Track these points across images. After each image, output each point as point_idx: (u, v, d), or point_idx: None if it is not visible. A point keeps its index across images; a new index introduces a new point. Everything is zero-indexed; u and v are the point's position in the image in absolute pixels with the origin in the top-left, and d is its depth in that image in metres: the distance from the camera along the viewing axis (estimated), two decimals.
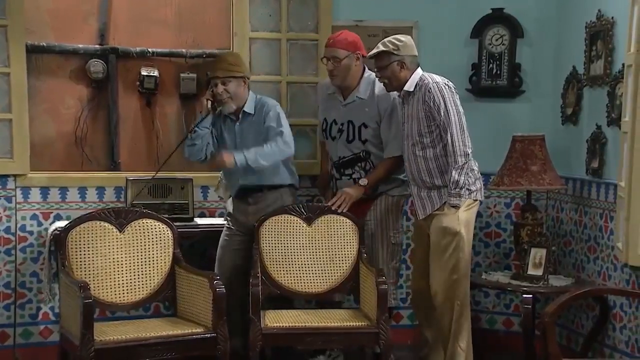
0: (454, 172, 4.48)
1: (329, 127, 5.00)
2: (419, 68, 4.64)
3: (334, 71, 4.85)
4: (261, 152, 4.66)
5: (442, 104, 4.49)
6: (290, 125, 5.16)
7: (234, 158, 4.63)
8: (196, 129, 4.84)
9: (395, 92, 4.72)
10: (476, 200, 4.63)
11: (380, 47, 4.58)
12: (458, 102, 4.56)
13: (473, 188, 4.60)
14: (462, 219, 4.55)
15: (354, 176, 4.96)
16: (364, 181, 4.84)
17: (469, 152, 4.52)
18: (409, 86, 4.58)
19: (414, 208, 4.77)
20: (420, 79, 4.58)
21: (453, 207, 4.52)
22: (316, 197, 5.47)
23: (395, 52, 4.55)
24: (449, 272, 4.57)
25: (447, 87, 4.53)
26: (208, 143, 4.90)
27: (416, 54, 4.64)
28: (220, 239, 5.01)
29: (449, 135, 4.48)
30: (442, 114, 4.49)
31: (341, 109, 4.95)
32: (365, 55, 4.87)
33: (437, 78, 4.57)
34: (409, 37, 4.68)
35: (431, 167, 4.60)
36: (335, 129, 4.97)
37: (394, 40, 4.58)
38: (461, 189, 4.50)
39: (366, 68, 4.93)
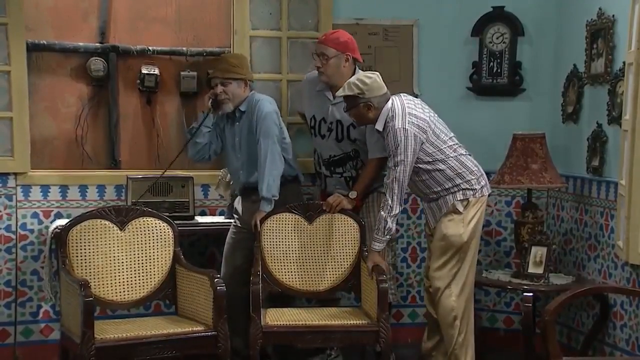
0: (389, 219, 4.49)
1: (318, 125, 4.99)
2: (389, 101, 4.56)
3: (321, 68, 4.85)
4: (268, 184, 4.70)
5: (395, 152, 4.48)
6: (290, 124, 5.18)
7: (265, 209, 4.74)
8: (199, 127, 4.84)
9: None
10: (482, 196, 4.65)
11: (346, 91, 4.56)
12: (410, 150, 4.47)
13: (477, 186, 4.62)
14: (470, 227, 4.60)
15: (345, 174, 4.97)
16: (353, 194, 4.84)
17: (402, 203, 4.54)
18: (379, 126, 4.58)
19: (426, 218, 4.80)
20: (387, 118, 4.53)
21: (375, 250, 4.55)
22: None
23: (360, 96, 4.53)
24: (449, 270, 4.61)
25: (405, 133, 4.46)
26: (210, 142, 4.92)
27: (383, 92, 4.56)
28: (227, 236, 5.01)
29: (391, 182, 4.48)
30: (391, 161, 4.50)
31: (330, 108, 4.94)
32: (357, 58, 4.88)
33: (399, 121, 4.48)
34: (376, 75, 4.58)
35: (429, 184, 4.64)
36: (324, 128, 4.97)
37: (359, 84, 4.52)
38: (391, 236, 4.58)
39: (357, 69, 4.92)
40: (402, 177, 4.48)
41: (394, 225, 4.55)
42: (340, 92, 4.62)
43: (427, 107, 4.67)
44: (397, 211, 4.52)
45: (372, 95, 4.54)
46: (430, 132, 4.56)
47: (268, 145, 4.74)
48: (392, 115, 4.53)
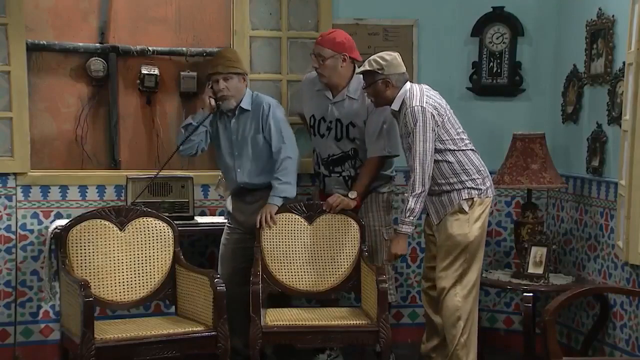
0: (411, 199, 4.46)
1: (317, 125, 5.00)
2: (407, 83, 4.60)
3: (319, 69, 4.87)
4: (287, 183, 4.77)
5: (414, 130, 4.48)
6: (289, 124, 5.17)
7: (277, 204, 4.77)
8: (197, 126, 4.84)
9: None
10: (487, 197, 4.64)
11: (366, 66, 4.58)
12: (429, 128, 4.47)
13: (483, 187, 4.61)
14: (476, 226, 4.57)
15: (343, 174, 4.97)
16: (353, 194, 4.84)
17: (427, 183, 4.49)
18: (395, 105, 4.59)
19: (429, 214, 4.76)
20: (405, 98, 4.56)
21: (402, 233, 4.52)
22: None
23: (379, 72, 4.54)
24: (455, 270, 4.58)
25: (423, 111, 4.48)
26: (201, 140, 4.91)
27: (403, 71, 4.60)
28: (222, 237, 5.01)
29: (412, 161, 4.48)
30: (411, 140, 4.50)
31: (330, 107, 4.94)
32: (355, 57, 4.89)
33: (416, 100, 4.51)
34: (396, 54, 4.63)
35: (435, 175, 4.59)
36: (323, 127, 4.97)
37: (379, 60, 4.56)
38: (415, 217, 4.50)
39: (356, 68, 4.92)
40: (422, 153, 4.45)
41: (418, 205, 4.46)
42: (359, 69, 4.63)
43: (444, 100, 4.67)
44: (419, 190, 4.44)
45: (391, 72, 4.55)
46: (446, 117, 4.57)
47: (295, 149, 4.82)
48: (410, 96, 4.54)
